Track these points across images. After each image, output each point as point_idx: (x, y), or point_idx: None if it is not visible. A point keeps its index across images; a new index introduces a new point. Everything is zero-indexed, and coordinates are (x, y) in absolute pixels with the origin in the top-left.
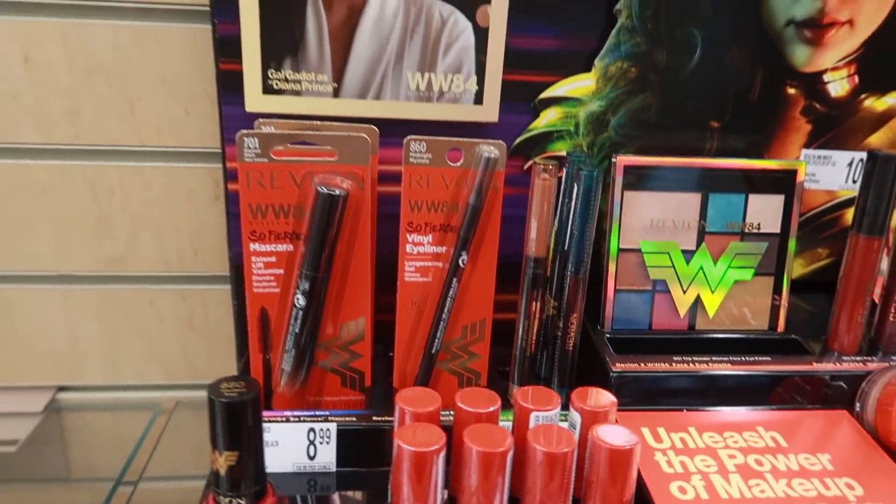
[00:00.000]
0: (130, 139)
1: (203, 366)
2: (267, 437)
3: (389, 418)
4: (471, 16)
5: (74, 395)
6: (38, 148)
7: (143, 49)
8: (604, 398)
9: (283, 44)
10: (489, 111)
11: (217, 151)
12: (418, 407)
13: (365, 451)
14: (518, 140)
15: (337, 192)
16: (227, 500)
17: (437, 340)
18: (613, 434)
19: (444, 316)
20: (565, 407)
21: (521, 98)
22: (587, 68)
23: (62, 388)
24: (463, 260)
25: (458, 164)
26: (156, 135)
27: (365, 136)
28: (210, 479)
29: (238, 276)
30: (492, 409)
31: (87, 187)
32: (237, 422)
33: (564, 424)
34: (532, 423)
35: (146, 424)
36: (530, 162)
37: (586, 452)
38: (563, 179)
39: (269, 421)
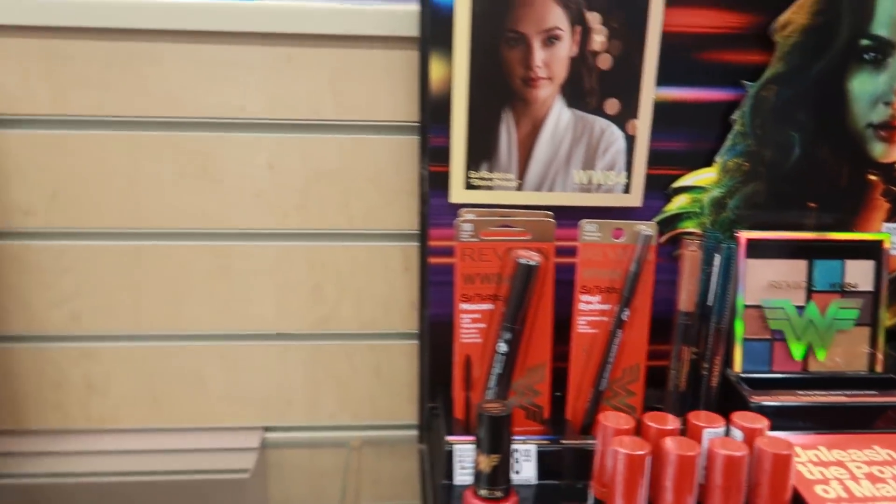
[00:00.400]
0: (343, 224)
1: (385, 409)
2: None
3: (575, 441)
4: (622, 127)
5: (278, 435)
6: (273, 232)
7: (359, 156)
8: (758, 420)
9: (481, 152)
10: (635, 198)
11: (409, 233)
12: (619, 425)
13: (557, 468)
14: (655, 219)
15: (533, 262)
16: (487, 492)
17: (603, 380)
18: (774, 444)
19: (609, 360)
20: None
21: (658, 187)
22: (709, 164)
23: (268, 429)
24: (626, 315)
25: (621, 240)
26: (363, 220)
27: (551, 220)
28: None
29: (432, 331)
30: (672, 426)
31: (306, 263)
32: (500, 431)
33: None
34: (705, 439)
35: (337, 460)
36: (667, 235)
37: (751, 460)
38: (704, 251)
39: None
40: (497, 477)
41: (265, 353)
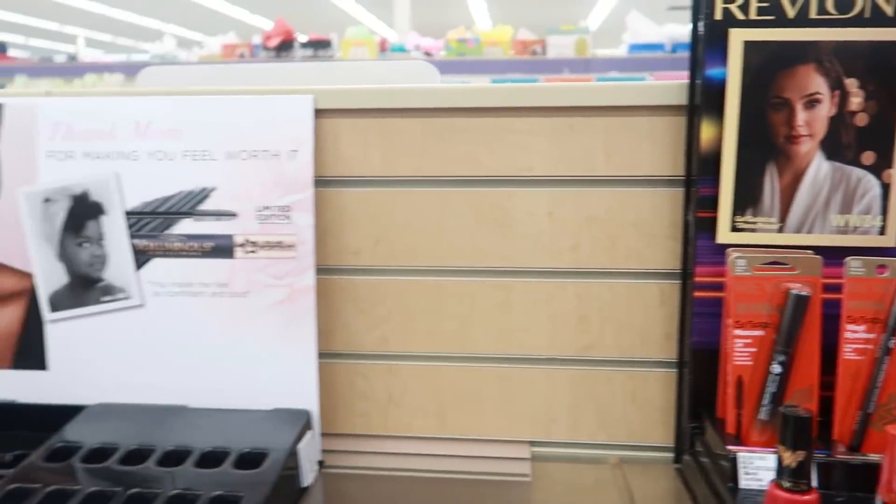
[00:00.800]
0: (608, 264)
1: (638, 431)
2: (761, 463)
3: (854, 456)
4: (878, 176)
5: (541, 449)
6: (548, 270)
7: (625, 205)
8: None
9: (747, 199)
10: (890, 239)
11: (667, 271)
12: None
13: (829, 481)
14: None
15: (804, 293)
16: (792, 484)
17: (871, 402)
18: None
19: (877, 384)
20: None
21: None
22: None
23: (533, 443)
24: (892, 342)
25: (884, 275)
26: (625, 260)
27: (819, 256)
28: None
29: (694, 358)
30: None
31: (575, 296)
32: (805, 431)
33: None
34: None
35: (596, 476)
36: None
37: None
38: None
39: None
40: (801, 471)
41: (536, 375)
